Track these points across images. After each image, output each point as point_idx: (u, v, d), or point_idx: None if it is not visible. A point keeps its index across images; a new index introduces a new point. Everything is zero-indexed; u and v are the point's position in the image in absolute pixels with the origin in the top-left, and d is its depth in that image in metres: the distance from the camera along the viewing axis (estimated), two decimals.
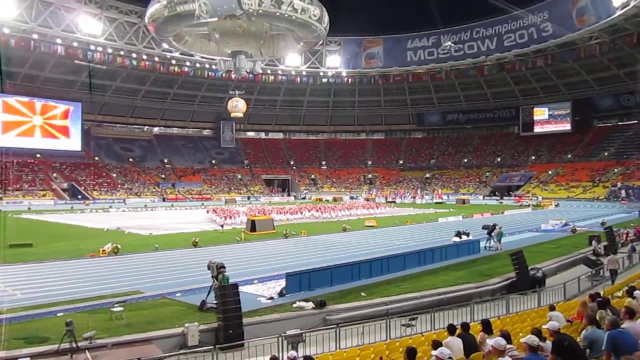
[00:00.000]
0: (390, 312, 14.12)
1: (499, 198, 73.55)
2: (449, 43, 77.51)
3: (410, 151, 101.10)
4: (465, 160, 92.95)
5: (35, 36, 64.03)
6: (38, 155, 77.31)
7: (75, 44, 67.55)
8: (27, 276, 19.25)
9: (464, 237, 26.61)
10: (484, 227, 27.40)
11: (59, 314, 13.71)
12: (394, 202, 70.37)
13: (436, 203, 68.24)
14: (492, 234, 25.74)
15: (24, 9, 61.00)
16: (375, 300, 15.32)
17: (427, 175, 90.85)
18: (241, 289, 13.70)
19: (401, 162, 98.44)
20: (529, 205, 58.85)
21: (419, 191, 79.79)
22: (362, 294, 16.13)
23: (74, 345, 10.81)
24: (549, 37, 71.14)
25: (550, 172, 79.27)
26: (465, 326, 8.19)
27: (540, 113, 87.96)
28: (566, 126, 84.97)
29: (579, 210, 53.42)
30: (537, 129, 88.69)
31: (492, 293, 16.98)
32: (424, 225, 39.29)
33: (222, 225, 36.32)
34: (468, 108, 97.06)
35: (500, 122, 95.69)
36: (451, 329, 7.95)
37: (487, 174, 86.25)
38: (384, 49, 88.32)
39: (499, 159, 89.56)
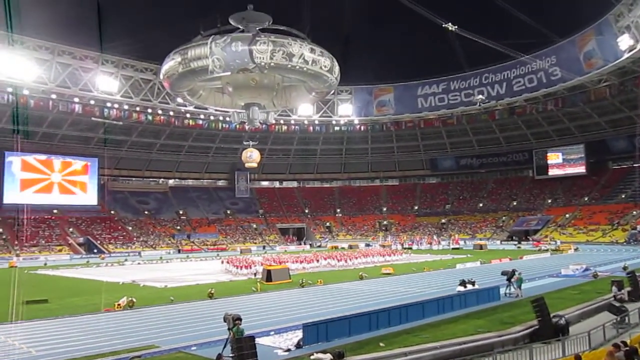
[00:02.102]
0: None
1: (516, 243, 72.44)
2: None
3: (424, 197, 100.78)
4: (481, 204, 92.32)
5: (53, 96, 66.12)
6: (55, 211, 78.29)
7: (92, 102, 69.53)
8: (42, 333, 19.12)
9: (469, 287, 25.87)
10: (503, 273, 26.83)
11: None
12: (411, 248, 69.66)
13: (453, 249, 67.35)
14: (512, 280, 25.20)
15: (43, 71, 63.24)
16: (394, 351, 14.92)
17: (443, 221, 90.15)
18: (258, 340, 13.46)
19: (416, 207, 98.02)
20: (547, 250, 57.81)
21: (435, 237, 79.03)
22: (381, 344, 15.75)
23: None
24: (558, 81, 71.72)
25: (567, 215, 78.27)
26: None
27: (555, 157, 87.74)
28: (581, 169, 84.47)
29: (599, 254, 52.28)
30: (552, 172, 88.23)
31: (514, 342, 16.45)
32: (441, 271, 38.65)
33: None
34: (481, 152, 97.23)
35: (514, 166, 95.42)
36: None
37: (504, 218, 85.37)
38: (394, 96, 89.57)
39: (514, 203, 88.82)
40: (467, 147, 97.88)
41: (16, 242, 66.32)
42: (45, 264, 55.77)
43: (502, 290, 24.85)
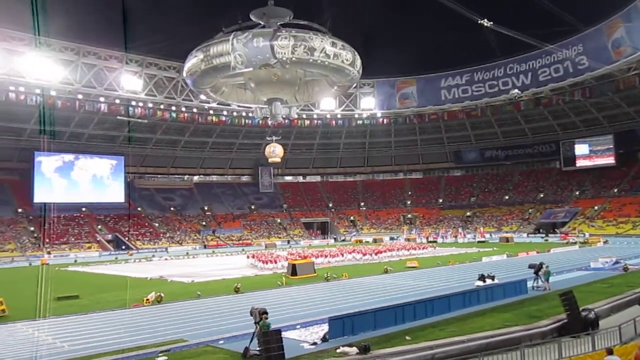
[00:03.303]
0: (436, 356, 13.69)
1: (544, 235, 71.37)
2: (516, 91, 76.71)
3: (449, 189, 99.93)
4: (507, 197, 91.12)
5: (80, 96, 67.28)
6: (83, 209, 79.85)
7: (117, 101, 70.64)
8: (74, 328, 19.57)
9: (489, 281, 25.52)
10: (530, 266, 26.48)
11: None
12: (435, 241, 69.22)
13: (479, 242, 66.71)
14: (539, 273, 24.87)
15: (69, 72, 64.45)
16: (420, 345, 14.87)
17: (468, 214, 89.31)
18: (284, 334, 13.57)
19: (440, 200, 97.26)
20: (575, 243, 56.79)
21: (460, 230, 78.37)
22: (407, 337, 15.73)
23: None
24: (585, 70, 70.14)
25: (596, 207, 76.75)
26: None
27: (582, 148, 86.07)
28: (610, 160, 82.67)
29: (629, 247, 51.07)
30: (580, 164, 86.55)
31: (542, 336, 16.24)
32: (467, 265, 38.35)
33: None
34: (506, 144, 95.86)
35: (540, 158, 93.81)
36: None
37: (530, 210, 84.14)
38: (417, 88, 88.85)
39: (541, 195, 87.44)
40: (492, 139, 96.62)
41: (47, 240, 67.80)
42: (76, 261, 56.98)
43: (530, 284, 24.55)
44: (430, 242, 67.23)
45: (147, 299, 24.30)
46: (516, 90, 76.70)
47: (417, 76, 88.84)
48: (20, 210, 74.40)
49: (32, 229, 71.41)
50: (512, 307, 20.18)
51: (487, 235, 72.71)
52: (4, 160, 74.38)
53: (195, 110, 77.81)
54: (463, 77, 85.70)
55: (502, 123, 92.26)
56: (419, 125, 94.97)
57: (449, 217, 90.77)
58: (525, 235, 74.61)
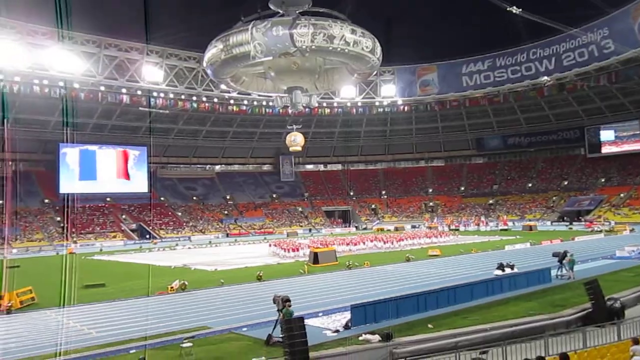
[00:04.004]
0: (459, 344, 13.66)
1: (568, 223, 70.27)
2: (545, 78, 75.47)
3: (471, 177, 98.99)
4: (530, 184, 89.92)
5: (102, 88, 68.15)
6: (108, 199, 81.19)
7: (139, 92, 71.46)
8: (100, 315, 20.01)
9: (508, 270, 25.23)
10: (554, 255, 26.17)
11: (131, 351, 14.14)
12: (457, 229, 68.77)
13: (501, 230, 66.09)
14: (564, 261, 24.56)
15: (92, 64, 65.21)
16: (443, 333, 14.88)
17: (490, 201, 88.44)
18: (306, 322, 13.66)
19: (462, 188, 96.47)
20: (601, 231, 55.88)
21: (482, 218, 77.67)
22: (429, 325, 15.72)
23: None
24: (611, 54, 68.34)
25: (622, 195, 75.25)
26: None
27: (608, 134, 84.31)
28: (636, 146, 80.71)
29: None
30: (605, 150, 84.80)
31: (566, 325, 16.10)
32: (490, 253, 38.07)
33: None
34: (530, 131, 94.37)
35: (564, 144, 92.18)
36: None
37: (554, 198, 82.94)
38: (438, 75, 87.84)
39: (565, 183, 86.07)
40: (514, 126, 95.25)
41: (73, 230, 69.13)
42: (101, 250, 58.01)
43: (554, 272, 24.29)
44: (452, 230, 66.84)
45: (172, 287, 24.69)
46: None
47: (438, 62, 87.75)
48: (46, 200, 75.95)
49: (58, 219, 72.83)
50: (536, 296, 20.02)
51: (510, 223, 72.05)
52: (30, 152, 75.68)
53: (215, 100, 78.22)
54: (485, 62, 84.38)
55: (525, 109, 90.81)
56: (440, 112, 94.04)
57: (471, 205, 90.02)
58: (549, 223, 73.66)
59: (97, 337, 16.18)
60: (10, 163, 71.61)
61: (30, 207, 72.37)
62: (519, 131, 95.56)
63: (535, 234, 56.53)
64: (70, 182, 76.49)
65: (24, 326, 18.38)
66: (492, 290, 20.35)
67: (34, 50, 60.60)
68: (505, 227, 68.54)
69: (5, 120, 64.73)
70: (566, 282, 22.99)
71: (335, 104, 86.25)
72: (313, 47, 22.64)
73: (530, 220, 73.22)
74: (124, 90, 70.08)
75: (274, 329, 14.52)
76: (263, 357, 12.40)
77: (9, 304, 20.89)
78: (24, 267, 34.85)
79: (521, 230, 62.81)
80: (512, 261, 27.25)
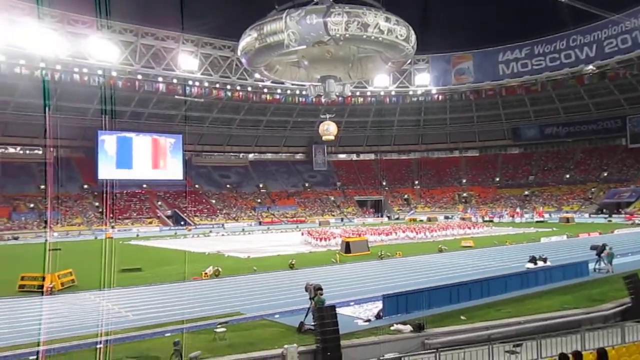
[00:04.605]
0: (492, 337, 13.52)
1: (607, 216, 68.43)
2: (590, 67, 73.50)
3: (506, 168, 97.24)
4: (568, 175, 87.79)
5: (139, 77, 69.42)
6: (144, 186, 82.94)
7: (174, 81, 72.52)
8: (137, 298, 20.55)
9: (540, 263, 24.66)
10: (592, 248, 25.52)
11: (166, 334, 14.48)
12: (492, 221, 67.78)
13: (537, 222, 64.84)
14: (602, 255, 23.96)
15: (129, 53, 66.44)
16: (475, 325, 14.76)
17: (526, 193, 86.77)
18: (338, 310, 13.74)
19: (497, 179, 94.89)
20: None
21: (517, 209, 76.37)
22: (462, 317, 15.61)
23: None
24: None
25: None
26: (578, 355, 7.66)
27: None
28: None
29: None
30: None
31: (604, 320, 15.73)
32: (525, 245, 37.41)
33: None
34: (568, 120, 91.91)
35: (604, 134, 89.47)
36: (563, 358, 7.47)
37: (593, 190, 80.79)
38: (474, 63, 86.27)
39: (605, 174, 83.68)
40: (552, 115, 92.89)
41: (111, 215, 70.96)
42: (138, 235, 59.37)
43: (591, 266, 23.72)
44: (486, 221, 65.92)
45: (206, 273, 25.13)
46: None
47: (473, 50, 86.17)
48: (85, 186, 78.12)
49: (96, 204, 74.85)
50: (572, 290, 19.61)
51: (546, 215, 70.62)
52: (70, 138, 77.80)
53: (249, 88, 78.74)
54: (522, 50, 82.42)
55: (563, 98, 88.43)
56: (476, 102, 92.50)
57: (506, 196, 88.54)
58: (587, 215, 71.87)
59: (133, 319, 16.63)
60: (51, 149, 73.86)
61: (70, 192, 74.50)
62: (556, 121, 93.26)
63: (572, 226, 55.27)
64: (108, 168, 78.43)
65: (65, 307, 19.03)
66: (526, 282, 20.04)
67: (74, 39, 62.07)
68: (541, 219, 67.26)
69: (47, 108, 66.81)
70: (604, 276, 22.44)
71: (368, 93, 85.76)
72: (347, 35, 22.47)
73: (567, 212, 71.56)
74: (160, 79, 71.22)
75: (305, 316, 14.64)
76: (295, 344, 12.53)
77: (51, 285, 21.62)
78: (64, 250, 35.87)
79: (558, 223, 61.49)
80: (548, 254, 26.74)
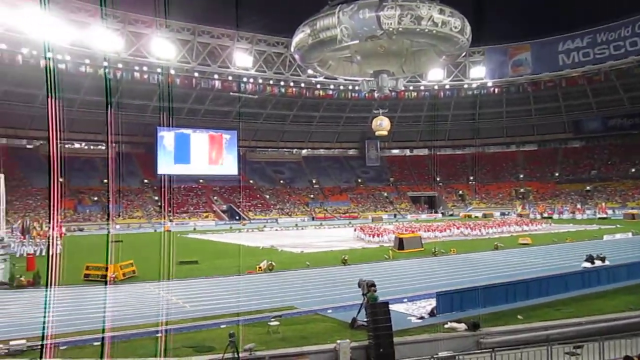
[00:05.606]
0: (551, 337, 13.11)
1: None
2: None
3: (566, 162, 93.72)
4: (634, 169, 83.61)
5: (196, 74, 71.38)
6: (201, 181, 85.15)
7: (230, 78, 74.03)
8: (194, 290, 21.14)
9: (598, 263, 23.48)
10: None
11: (222, 326, 14.80)
12: (551, 217, 65.59)
13: (600, 218, 62.29)
14: None
15: (186, 51, 68.35)
16: (533, 324, 14.35)
17: (588, 188, 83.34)
18: (391, 307, 13.67)
19: (557, 174, 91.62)
20: None
21: (578, 205, 73.54)
22: (519, 316, 15.22)
23: (235, 355, 11.56)
24: None
25: None
26: None
27: None
28: None
29: None
30: None
31: None
32: (586, 243, 36.00)
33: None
34: (634, 111, 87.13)
35: None
36: None
37: None
38: (532, 54, 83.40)
39: None
40: (616, 106, 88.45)
41: (169, 209, 73.26)
42: (194, 229, 61.03)
43: None
44: (545, 218, 63.86)
45: (260, 267, 25.56)
46: None
47: (531, 41, 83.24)
48: (145, 181, 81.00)
49: (156, 198, 77.45)
50: (638, 290, 18.71)
51: (610, 212, 67.61)
52: (131, 134, 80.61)
53: (302, 84, 79.37)
54: (584, 39, 78.88)
55: (629, 88, 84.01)
56: (534, 94, 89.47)
57: (566, 191, 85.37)
58: None
59: (190, 310, 17.13)
60: (114, 145, 76.82)
61: (131, 187, 77.46)
62: (621, 112, 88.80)
63: (638, 223, 52.74)
64: (167, 164, 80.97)
65: (126, 296, 19.79)
66: (588, 282, 19.27)
67: (135, 38, 64.39)
68: (604, 216, 64.57)
69: (109, 105, 69.50)
70: None
71: (422, 87, 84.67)
72: (400, 29, 22.21)
73: (632, 209, 68.24)
74: (215, 76, 72.98)
75: (358, 312, 14.64)
76: (348, 340, 12.57)
77: (113, 275, 22.58)
78: (125, 242, 37.35)
79: (622, 219, 58.90)
80: (611, 252, 25.67)
